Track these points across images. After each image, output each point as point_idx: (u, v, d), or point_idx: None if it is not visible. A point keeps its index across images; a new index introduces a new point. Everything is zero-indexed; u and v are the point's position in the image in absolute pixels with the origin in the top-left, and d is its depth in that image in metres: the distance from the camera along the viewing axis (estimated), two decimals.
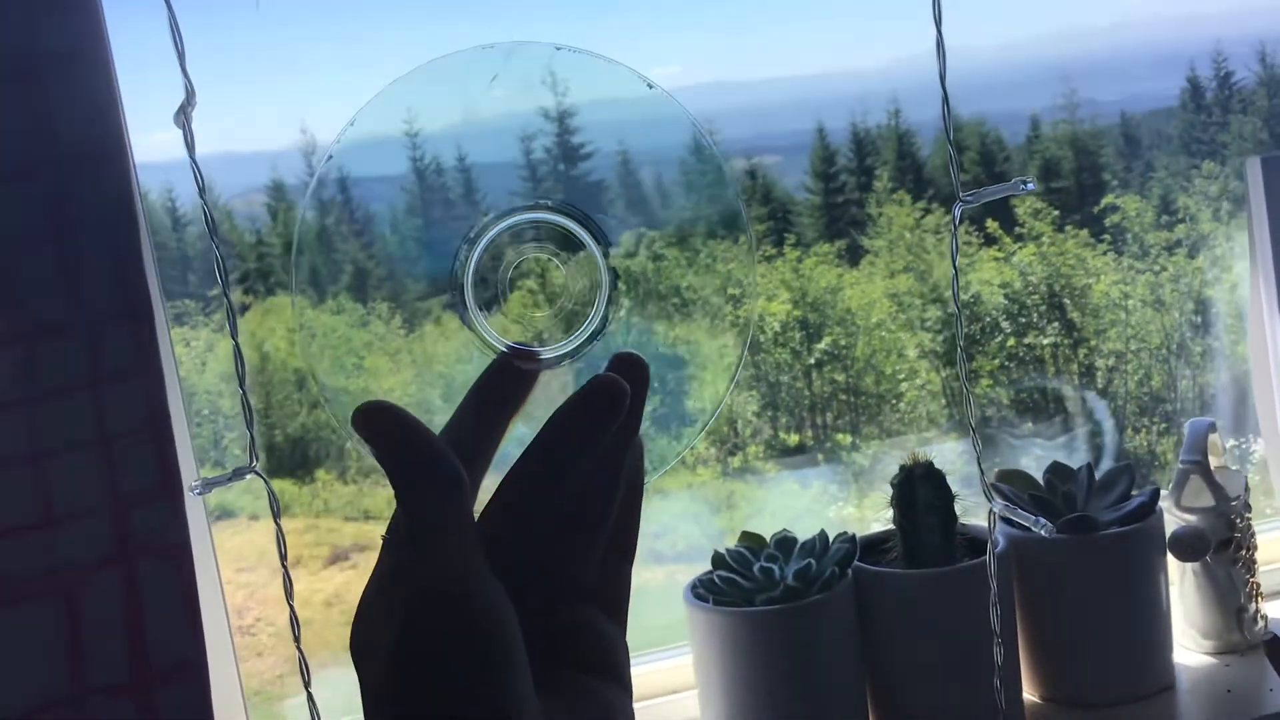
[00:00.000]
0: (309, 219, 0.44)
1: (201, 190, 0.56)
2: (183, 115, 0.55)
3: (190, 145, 0.55)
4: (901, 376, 2.33)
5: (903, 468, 0.83)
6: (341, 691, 1.08)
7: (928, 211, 2.49)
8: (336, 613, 2.21)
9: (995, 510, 0.64)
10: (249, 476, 0.58)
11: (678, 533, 2.07)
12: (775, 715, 0.80)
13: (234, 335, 0.57)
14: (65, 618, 0.56)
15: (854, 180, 2.75)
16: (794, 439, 2.32)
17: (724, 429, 2.37)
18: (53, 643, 0.55)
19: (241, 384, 0.57)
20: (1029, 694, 0.87)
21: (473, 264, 0.43)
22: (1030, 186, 0.59)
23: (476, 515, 0.38)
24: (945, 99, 0.57)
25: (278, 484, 1.78)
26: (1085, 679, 0.85)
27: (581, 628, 0.40)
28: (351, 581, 2.31)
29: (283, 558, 0.61)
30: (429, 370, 0.46)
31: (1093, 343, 2.23)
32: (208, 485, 0.58)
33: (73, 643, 0.57)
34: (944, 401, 2.35)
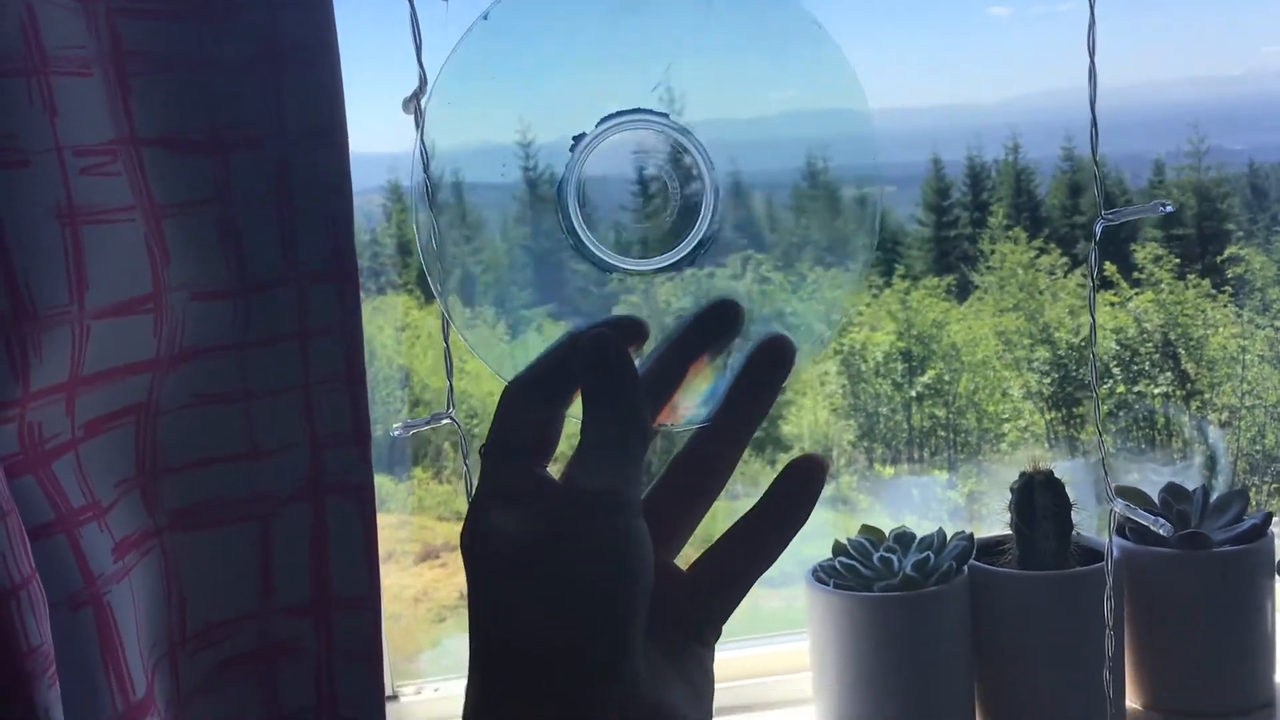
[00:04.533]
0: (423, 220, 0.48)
1: (426, 167, 0.66)
2: (414, 102, 0.64)
3: (420, 129, 0.65)
4: (1005, 416, 2.35)
5: (1023, 474, 0.90)
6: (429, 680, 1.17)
7: (1043, 251, 2.51)
8: (424, 609, 2.31)
9: (1116, 509, 0.71)
10: (445, 421, 0.68)
11: None
12: (886, 697, 0.88)
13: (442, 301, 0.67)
14: (260, 541, 0.63)
15: (967, 215, 2.76)
16: (889, 471, 2.37)
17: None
18: (248, 562, 0.63)
19: (445, 338, 0.67)
20: (1131, 701, 0.94)
21: (577, 169, 0.45)
22: (1169, 208, 0.67)
23: None
24: (1094, 122, 0.65)
25: (374, 479, 1.88)
26: (1187, 690, 0.91)
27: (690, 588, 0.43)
28: (440, 579, 2.41)
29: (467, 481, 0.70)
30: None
31: (1206, 395, 2.23)
32: (408, 427, 0.67)
33: (264, 564, 0.64)
34: (1048, 445, 2.36)
